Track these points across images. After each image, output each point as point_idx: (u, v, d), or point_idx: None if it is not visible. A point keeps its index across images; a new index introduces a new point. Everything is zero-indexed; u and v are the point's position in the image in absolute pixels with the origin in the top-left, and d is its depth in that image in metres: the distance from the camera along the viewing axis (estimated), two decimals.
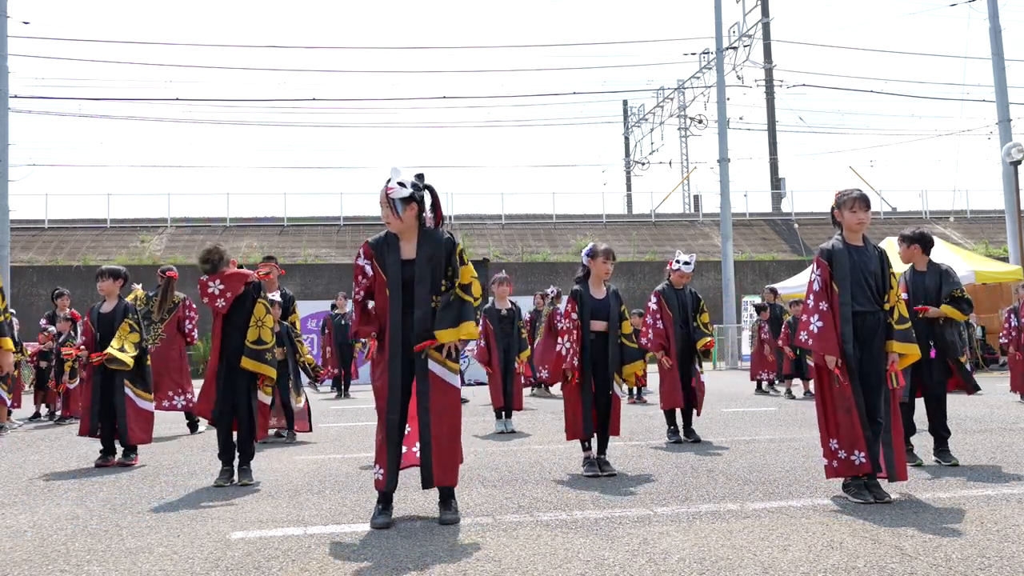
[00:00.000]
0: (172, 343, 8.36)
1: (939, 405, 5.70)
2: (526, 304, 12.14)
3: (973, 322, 17.03)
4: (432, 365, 4.11)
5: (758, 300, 15.01)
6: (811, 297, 4.54)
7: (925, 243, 5.87)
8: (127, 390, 6.46)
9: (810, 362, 11.39)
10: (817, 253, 4.62)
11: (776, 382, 12.92)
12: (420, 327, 4.10)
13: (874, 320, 4.49)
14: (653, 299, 7.28)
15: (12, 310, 7.26)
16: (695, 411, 7.16)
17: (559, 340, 5.58)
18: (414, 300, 4.12)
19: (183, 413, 8.70)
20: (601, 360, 5.55)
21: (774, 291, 13.72)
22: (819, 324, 4.44)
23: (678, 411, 7.17)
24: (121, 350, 6.38)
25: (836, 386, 4.40)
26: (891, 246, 15.85)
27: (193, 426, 8.73)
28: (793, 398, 11.51)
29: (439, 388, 4.10)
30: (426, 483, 4.08)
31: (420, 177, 4.20)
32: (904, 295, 5.62)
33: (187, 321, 8.53)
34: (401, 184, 4.11)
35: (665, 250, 28.93)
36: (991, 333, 18.21)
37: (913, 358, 4.58)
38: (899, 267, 6.36)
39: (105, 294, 6.65)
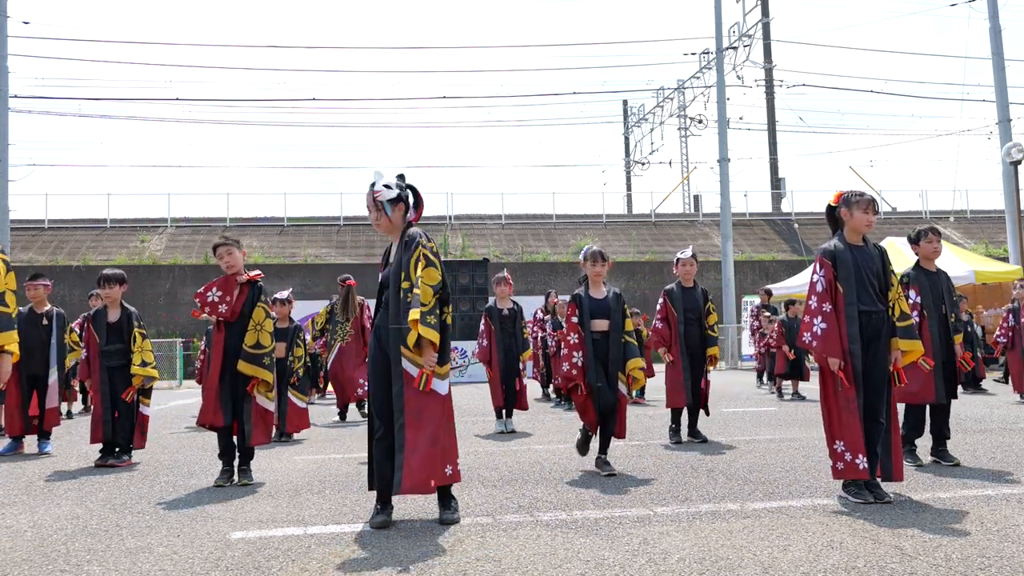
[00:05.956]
0: (359, 339, 9.66)
1: (942, 406, 5.70)
2: (527, 304, 11.96)
3: (973, 320, 17.02)
4: (405, 364, 4.03)
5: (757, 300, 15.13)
6: (814, 298, 4.49)
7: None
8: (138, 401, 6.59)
9: (808, 364, 11.47)
10: (820, 253, 4.55)
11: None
12: (391, 326, 4.09)
13: (878, 319, 4.47)
14: (660, 299, 7.29)
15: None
16: (703, 411, 7.14)
17: (561, 346, 5.60)
18: (388, 300, 4.15)
19: (355, 404, 9.86)
20: (604, 359, 5.56)
21: (769, 292, 13.95)
22: (823, 326, 4.40)
23: (684, 411, 7.16)
24: (143, 364, 6.48)
25: (841, 389, 4.38)
26: (891, 246, 15.89)
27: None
28: (783, 398, 11.48)
29: (413, 389, 3.99)
30: (395, 489, 3.94)
31: (401, 177, 4.26)
32: (916, 296, 5.60)
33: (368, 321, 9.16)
34: (387, 186, 4.17)
35: (665, 250, 28.94)
36: (991, 332, 18.21)
37: (916, 355, 4.56)
38: (899, 266, 6.36)
39: (110, 302, 6.61)
